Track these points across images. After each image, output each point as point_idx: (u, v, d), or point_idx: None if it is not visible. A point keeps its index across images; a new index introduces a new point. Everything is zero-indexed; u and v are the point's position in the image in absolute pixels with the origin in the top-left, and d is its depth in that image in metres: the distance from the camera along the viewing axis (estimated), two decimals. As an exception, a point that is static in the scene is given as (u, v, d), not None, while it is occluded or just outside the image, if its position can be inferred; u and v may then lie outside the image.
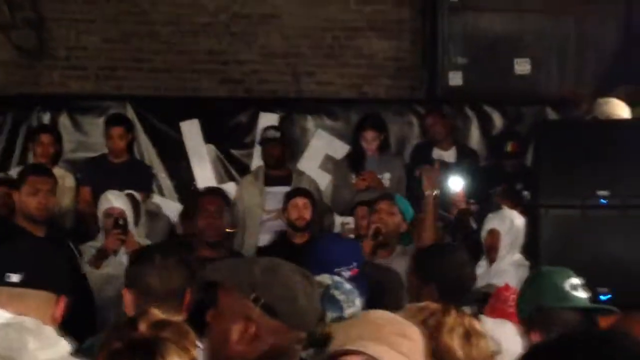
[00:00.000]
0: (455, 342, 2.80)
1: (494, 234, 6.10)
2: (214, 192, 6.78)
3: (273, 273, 2.61)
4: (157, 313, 2.40)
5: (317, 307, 2.68)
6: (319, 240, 5.57)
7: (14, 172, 7.49)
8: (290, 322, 2.58)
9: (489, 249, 6.12)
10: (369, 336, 2.51)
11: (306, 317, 2.62)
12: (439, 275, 4.15)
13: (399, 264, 5.78)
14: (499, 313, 4.66)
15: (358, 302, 3.51)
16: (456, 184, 7.26)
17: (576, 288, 3.57)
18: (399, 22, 9.58)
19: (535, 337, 3.43)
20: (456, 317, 2.86)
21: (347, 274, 4.40)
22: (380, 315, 2.62)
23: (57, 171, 7.23)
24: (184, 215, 7.41)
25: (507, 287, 4.88)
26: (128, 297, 3.41)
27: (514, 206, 6.58)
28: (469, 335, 2.84)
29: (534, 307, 3.53)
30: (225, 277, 2.67)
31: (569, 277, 3.61)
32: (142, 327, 2.32)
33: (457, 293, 4.04)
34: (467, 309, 3.80)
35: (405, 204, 6.45)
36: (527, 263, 5.95)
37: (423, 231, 6.09)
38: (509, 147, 8.26)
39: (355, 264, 4.52)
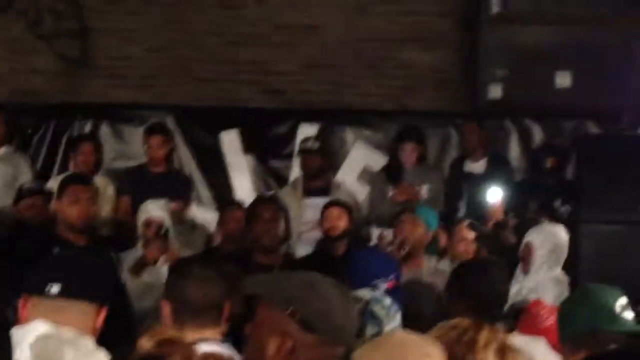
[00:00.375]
0: (490, 358, 2.78)
1: (527, 246, 6.08)
2: (270, 199, 6.77)
3: (311, 287, 2.61)
4: (165, 332, 2.36)
5: (354, 323, 2.67)
6: (356, 253, 5.58)
7: (55, 181, 7.53)
8: (327, 337, 2.57)
9: (522, 261, 6.10)
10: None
11: (343, 333, 2.61)
12: (473, 293, 4.13)
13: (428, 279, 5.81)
14: (530, 329, 4.62)
15: (398, 317, 3.51)
16: (493, 195, 7.23)
17: (626, 308, 3.51)
18: (440, 33, 9.55)
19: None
20: (489, 333, 2.84)
21: (384, 286, 4.40)
22: (403, 337, 2.61)
23: (98, 180, 7.28)
24: (219, 224, 7.43)
25: (538, 302, 4.84)
26: (167, 309, 3.42)
27: (550, 221, 6.54)
28: (504, 351, 2.82)
29: (586, 330, 3.45)
30: (263, 291, 2.68)
31: (619, 297, 3.53)
32: (147, 345, 2.28)
33: (490, 311, 4.01)
34: (499, 326, 3.80)
35: (429, 214, 6.42)
36: (566, 279, 5.90)
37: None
38: (548, 163, 8.20)
39: (392, 276, 4.52)
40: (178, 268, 3.56)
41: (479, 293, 4.12)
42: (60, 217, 5.68)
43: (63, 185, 5.82)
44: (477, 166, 8.36)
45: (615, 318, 3.47)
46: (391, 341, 2.58)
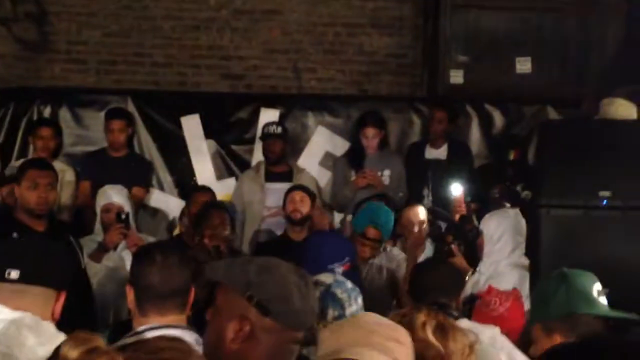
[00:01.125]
0: (430, 336, 2.80)
1: (481, 233, 6.10)
2: (219, 207, 6.81)
3: (268, 272, 2.60)
4: (91, 340, 2.27)
5: (312, 308, 2.66)
6: (311, 237, 5.59)
7: (15, 165, 7.47)
8: (285, 321, 2.57)
9: (479, 248, 6.12)
10: (362, 342, 2.50)
11: (301, 317, 2.60)
12: (415, 285, 4.46)
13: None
14: (482, 317, 4.66)
15: (360, 300, 3.51)
16: (456, 189, 7.21)
17: (600, 294, 3.54)
18: (401, 19, 9.58)
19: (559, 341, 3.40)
20: (427, 313, 2.87)
21: (340, 269, 4.41)
22: (371, 319, 2.60)
23: (57, 165, 7.22)
24: (183, 213, 7.40)
25: (490, 290, 4.87)
26: (130, 294, 3.41)
27: (512, 206, 6.56)
28: (443, 328, 2.84)
29: (563, 312, 3.45)
30: (222, 276, 2.67)
31: (595, 281, 3.56)
32: (72, 355, 2.20)
33: (430, 301, 4.11)
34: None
35: (386, 228, 6.33)
36: (526, 263, 5.92)
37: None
38: (511, 155, 8.24)
39: (347, 259, 4.54)
40: (141, 254, 3.55)
41: (418, 284, 4.39)
42: (19, 202, 5.63)
43: (22, 170, 5.76)
44: (439, 152, 8.38)
45: (592, 302, 3.50)
46: (359, 323, 2.56)
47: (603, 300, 3.55)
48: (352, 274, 4.41)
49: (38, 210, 5.57)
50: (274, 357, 2.58)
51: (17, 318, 3.14)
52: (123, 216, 6.21)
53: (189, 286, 3.40)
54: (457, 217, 7.05)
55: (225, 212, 6.68)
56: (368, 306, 3.58)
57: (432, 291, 4.23)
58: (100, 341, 2.16)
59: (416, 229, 6.63)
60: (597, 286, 3.55)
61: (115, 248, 6.20)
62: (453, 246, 6.10)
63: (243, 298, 2.57)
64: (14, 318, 3.14)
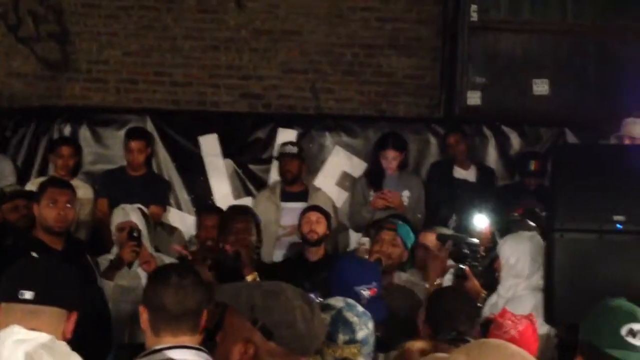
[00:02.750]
0: None
1: (497, 258, 6.09)
2: (244, 212, 6.79)
3: (274, 297, 2.66)
4: None
5: (317, 333, 2.72)
6: (339, 260, 5.59)
7: (34, 182, 7.54)
8: (288, 346, 2.63)
9: (496, 273, 6.10)
10: None
11: (304, 342, 2.66)
12: (429, 313, 4.40)
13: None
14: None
15: (371, 325, 3.51)
16: (481, 221, 7.13)
17: (635, 334, 3.29)
18: (419, 40, 9.62)
19: None
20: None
21: (366, 292, 4.44)
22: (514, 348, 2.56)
23: (76, 182, 7.28)
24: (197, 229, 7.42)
25: (504, 312, 4.87)
26: (144, 315, 3.45)
27: (534, 228, 6.54)
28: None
29: (585, 341, 3.33)
30: (229, 299, 2.73)
31: (632, 320, 3.32)
32: None
33: (440, 326, 4.19)
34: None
35: (406, 232, 6.39)
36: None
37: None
38: (532, 166, 8.23)
39: (374, 283, 4.56)
40: (156, 275, 3.58)
41: (436, 313, 4.35)
42: (38, 220, 5.68)
43: (42, 188, 5.83)
44: (468, 174, 8.41)
45: (620, 344, 3.30)
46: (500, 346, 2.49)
47: (635, 341, 3.31)
48: (378, 300, 4.45)
49: (57, 228, 5.62)
50: None
51: (33, 337, 3.19)
52: (135, 234, 6.25)
53: (203, 307, 3.44)
54: (482, 249, 6.97)
55: (251, 217, 6.65)
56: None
57: (450, 320, 4.24)
58: None
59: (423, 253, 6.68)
60: (633, 326, 3.32)
61: (130, 266, 6.25)
62: (466, 269, 6.09)
63: (248, 321, 2.63)
64: (30, 337, 3.19)
